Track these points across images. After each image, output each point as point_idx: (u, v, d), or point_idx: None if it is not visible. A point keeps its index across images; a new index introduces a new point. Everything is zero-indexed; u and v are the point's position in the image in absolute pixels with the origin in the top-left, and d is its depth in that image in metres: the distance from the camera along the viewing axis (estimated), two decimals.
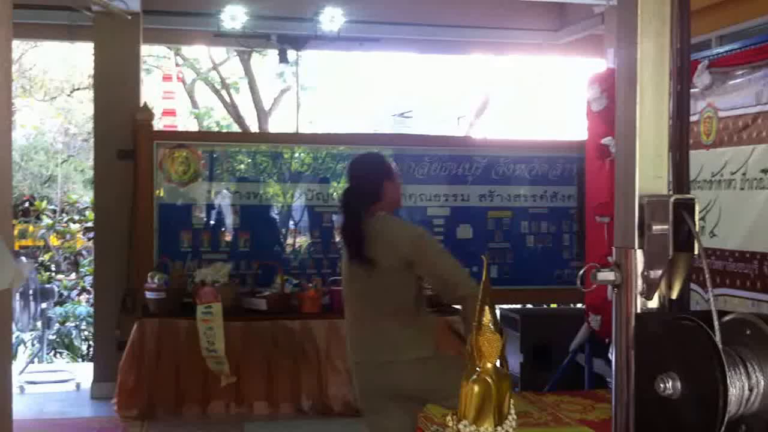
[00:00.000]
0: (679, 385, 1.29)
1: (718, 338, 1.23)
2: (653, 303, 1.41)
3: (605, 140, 7.34)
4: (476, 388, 1.73)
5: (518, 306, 8.80)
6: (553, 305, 9.26)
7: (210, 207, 8.28)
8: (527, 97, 18.20)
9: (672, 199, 1.37)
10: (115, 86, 8.17)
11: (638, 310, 1.41)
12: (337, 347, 7.37)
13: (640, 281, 1.42)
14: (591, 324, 7.44)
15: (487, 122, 15.93)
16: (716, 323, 1.25)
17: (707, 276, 1.33)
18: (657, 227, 1.38)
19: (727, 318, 1.35)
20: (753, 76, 5.70)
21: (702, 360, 1.25)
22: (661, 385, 1.31)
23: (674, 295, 1.40)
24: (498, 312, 2.12)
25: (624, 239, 1.45)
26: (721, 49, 6.35)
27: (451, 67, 17.28)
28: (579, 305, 8.45)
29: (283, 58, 9.67)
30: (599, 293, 7.35)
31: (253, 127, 15.98)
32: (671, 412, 1.30)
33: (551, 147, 8.95)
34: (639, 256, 1.42)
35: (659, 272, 1.37)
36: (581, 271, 1.50)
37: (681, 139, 1.41)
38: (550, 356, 7.92)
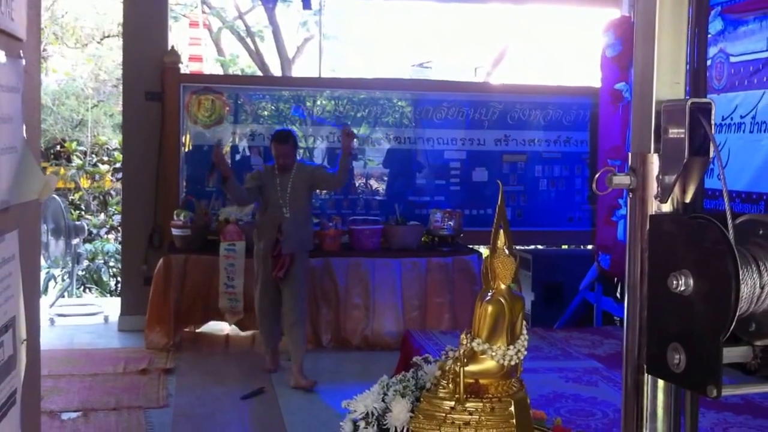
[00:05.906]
0: (691, 281, 1.31)
1: (731, 236, 1.27)
2: (667, 207, 1.44)
3: (618, 85, 7.52)
4: (490, 308, 1.82)
5: (531, 247, 9.04)
6: (565, 246, 9.48)
7: (234, 149, 8.56)
8: (544, 48, 18.22)
9: (689, 103, 1.39)
10: (144, 32, 8.38)
11: (653, 213, 1.45)
12: (356, 284, 7.64)
13: (655, 185, 1.44)
14: (601, 263, 7.66)
15: (504, 73, 15.99)
16: (730, 221, 1.29)
17: (721, 177, 1.41)
18: (673, 131, 1.41)
19: (740, 219, 1.38)
20: (765, 21, 5.83)
21: (715, 257, 1.28)
22: (674, 282, 1.33)
23: (688, 198, 1.44)
24: None
25: (640, 144, 1.47)
26: None
27: (470, 17, 17.31)
28: (589, 247, 8.67)
29: (306, 5, 9.77)
30: (609, 234, 7.57)
31: (277, 75, 16.13)
32: (683, 308, 1.33)
33: (565, 92, 9.15)
34: (655, 160, 1.45)
35: (674, 176, 1.41)
36: (597, 175, 1.50)
37: (699, 45, 1.44)
38: (560, 295, 8.14)
